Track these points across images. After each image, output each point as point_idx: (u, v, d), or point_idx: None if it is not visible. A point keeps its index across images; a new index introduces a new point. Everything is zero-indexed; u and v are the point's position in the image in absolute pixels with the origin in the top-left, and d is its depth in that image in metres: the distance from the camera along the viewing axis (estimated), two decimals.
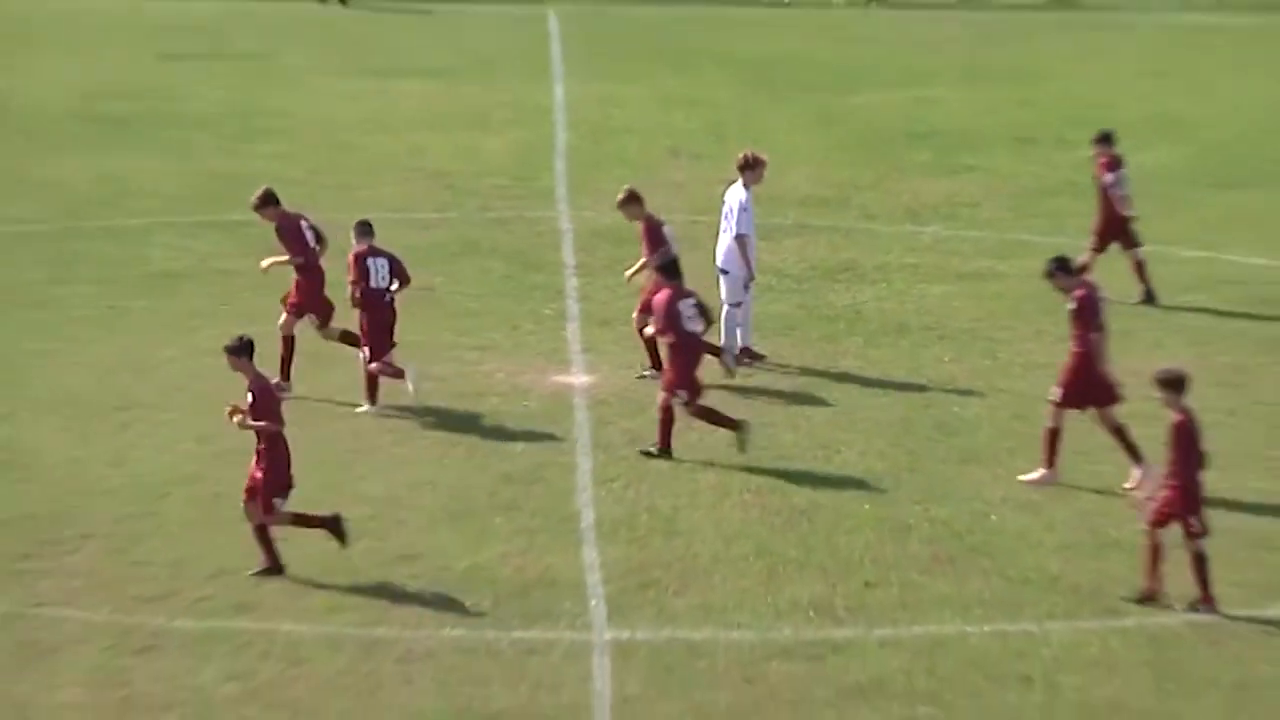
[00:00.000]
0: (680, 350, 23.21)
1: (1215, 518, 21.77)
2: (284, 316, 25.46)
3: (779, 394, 25.47)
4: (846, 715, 17.65)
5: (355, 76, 42.78)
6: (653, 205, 33.15)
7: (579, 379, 25.96)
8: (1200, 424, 19.60)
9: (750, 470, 22.98)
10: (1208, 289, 29.73)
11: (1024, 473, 22.65)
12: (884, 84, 42.53)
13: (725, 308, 26.21)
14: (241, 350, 20.37)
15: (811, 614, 19.57)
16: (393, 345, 25.07)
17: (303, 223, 25.80)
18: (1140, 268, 29.17)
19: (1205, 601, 19.55)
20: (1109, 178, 29.41)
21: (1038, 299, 28.77)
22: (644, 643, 18.92)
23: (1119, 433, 22.59)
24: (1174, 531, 19.28)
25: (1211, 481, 22.63)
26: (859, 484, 22.65)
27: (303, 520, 20.28)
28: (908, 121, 38.97)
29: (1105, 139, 29.86)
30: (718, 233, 26.51)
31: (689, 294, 23.51)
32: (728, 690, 18.07)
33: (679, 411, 23.07)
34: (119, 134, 37.36)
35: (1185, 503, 19.44)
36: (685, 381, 23.14)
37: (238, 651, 18.60)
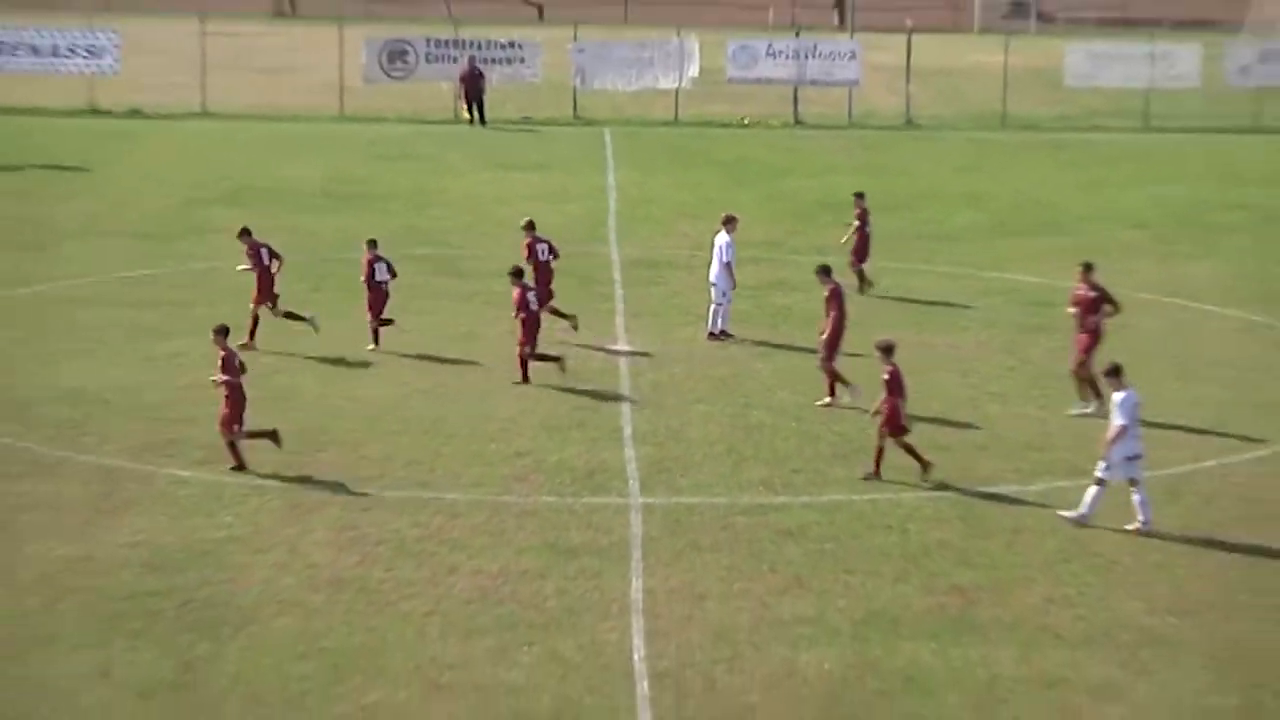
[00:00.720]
0: (527, 322, 23.37)
1: (1000, 432, 21.91)
2: (253, 305, 24.97)
3: (742, 358, 25.47)
4: (782, 548, 17.82)
5: (490, 169, 42.73)
6: (666, 246, 33.33)
7: (623, 347, 25.94)
8: (904, 373, 19.78)
9: (724, 404, 23.03)
10: (997, 295, 29.69)
11: (855, 413, 22.60)
12: (804, 174, 42.43)
13: (712, 305, 26.27)
14: (220, 332, 20.16)
15: (760, 488, 19.71)
16: (386, 321, 25.13)
17: (263, 249, 25.29)
18: (862, 275, 28.92)
19: (925, 468, 19.73)
20: (855, 224, 29.10)
21: (895, 302, 28.82)
22: (660, 505, 19.06)
23: (835, 374, 22.75)
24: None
25: (995, 410, 22.95)
26: (789, 411, 22.69)
27: (253, 434, 19.99)
28: (819, 196, 38.72)
29: (860, 195, 29.54)
30: (709, 262, 26.48)
31: (530, 288, 23.78)
32: (709, 533, 18.23)
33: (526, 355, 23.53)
34: (347, 203, 37.41)
35: (893, 421, 19.57)
36: (530, 341, 23.39)
37: (418, 509, 18.77)
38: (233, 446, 19.86)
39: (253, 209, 36.09)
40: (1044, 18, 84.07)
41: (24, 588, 16.54)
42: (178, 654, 15.11)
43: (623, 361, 25.13)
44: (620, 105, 53.25)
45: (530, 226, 26.54)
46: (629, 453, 20.82)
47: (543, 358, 23.59)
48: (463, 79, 50.56)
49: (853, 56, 53.17)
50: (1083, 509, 18.47)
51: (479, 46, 52.52)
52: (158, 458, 20.27)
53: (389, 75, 52.58)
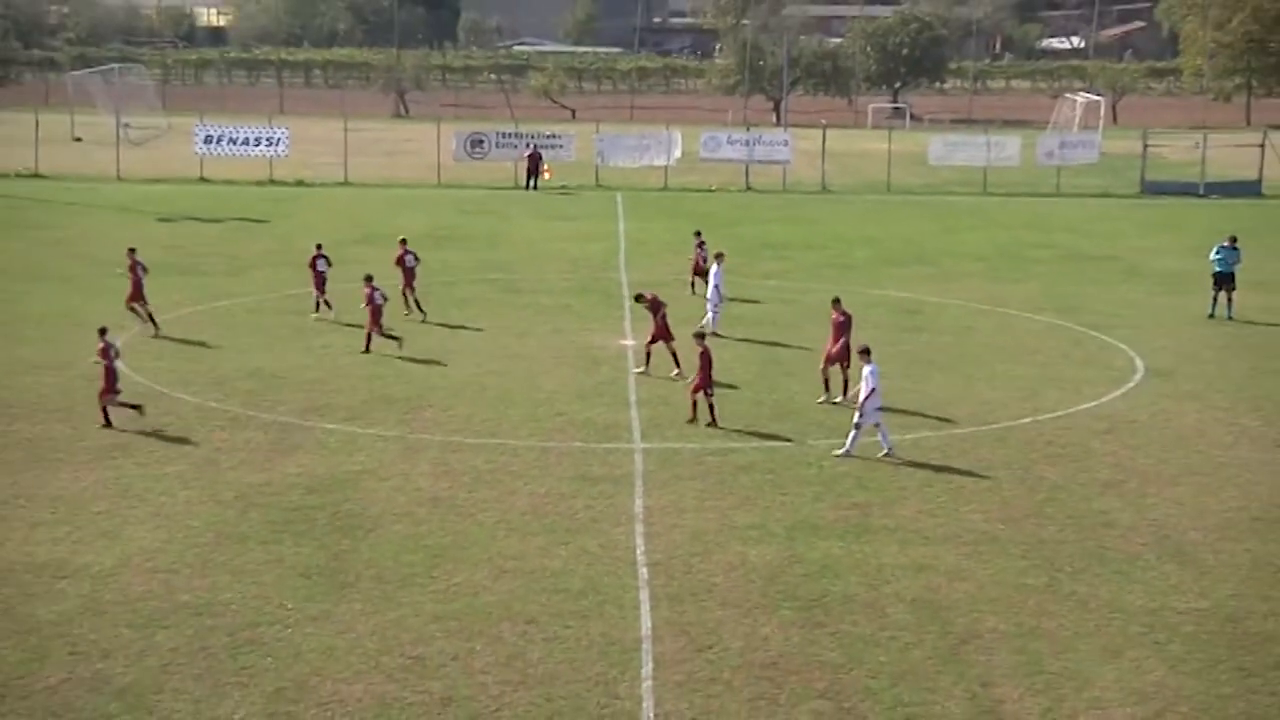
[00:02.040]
0: (374, 312, 23.51)
1: (885, 398, 21.54)
2: (132, 303, 24.97)
3: (717, 346, 25.27)
4: (737, 478, 17.68)
5: (540, 219, 42.54)
6: (658, 272, 33.03)
7: (629, 341, 25.67)
8: (713, 353, 19.57)
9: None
10: (883, 306, 29.34)
11: (788, 386, 22.40)
12: (752, 224, 42.10)
13: (709, 314, 25.86)
14: (104, 331, 19.45)
15: (723, 439, 19.50)
16: (325, 298, 25.86)
17: (140, 265, 25.05)
18: (696, 286, 28.31)
19: (714, 424, 19.46)
20: (710, 260, 27.82)
21: (815, 312, 28.53)
22: (655, 448, 18.91)
23: (673, 353, 22.27)
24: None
25: (882, 384, 21.97)
26: (741, 385, 22.42)
27: (123, 404, 19.08)
28: (762, 238, 38.54)
29: (698, 233, 29.26)
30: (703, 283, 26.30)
31: (378, 289, 23.68)
32: (689, 468, 18.09)
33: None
34: (443, 242, 37.12)
35: (703, 383, 19.44)
36: (376, 325, 23.51)
37: (490, 451, 18.62)
38: (104, 410, 19.13)
39: (379, 248, 35.92)
40: (915, 118, 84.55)
41: (225, 503, 16.50)
42: (328, 548, 15.07)
43: (629, 351, 24.95)
44: (627, 176, 53.10)
45: (403, 242, 26.71)
46: (634, 413, 20.65)
47: (373, 337, 23.53)
48: (528, 158, 50.98)
49: (786, 144, 53.27)
50: (848, 446, 18.39)
51: (533, 137, 52.74)
52: (314, 416, 20.18)
53: (471, 157, 52.72)
